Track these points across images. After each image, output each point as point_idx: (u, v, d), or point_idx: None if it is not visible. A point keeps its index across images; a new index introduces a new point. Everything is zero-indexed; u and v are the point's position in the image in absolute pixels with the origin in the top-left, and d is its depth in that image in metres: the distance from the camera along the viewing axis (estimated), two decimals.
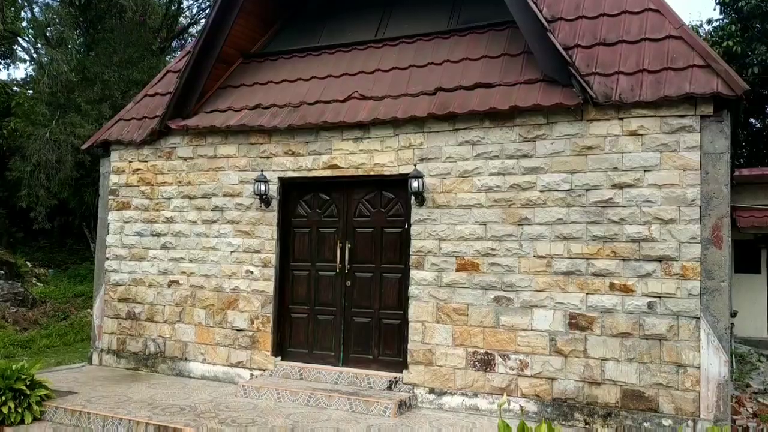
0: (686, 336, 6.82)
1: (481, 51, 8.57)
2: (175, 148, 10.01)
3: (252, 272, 9.24)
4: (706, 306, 6.75)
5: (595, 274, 7.23)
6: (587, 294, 7.26)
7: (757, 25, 18.56)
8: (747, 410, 8.21)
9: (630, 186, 7.16)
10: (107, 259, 10.38)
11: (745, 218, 13.89)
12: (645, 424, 6.90)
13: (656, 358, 6.93)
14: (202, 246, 9.66)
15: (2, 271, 14.88)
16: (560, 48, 7.50)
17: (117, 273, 10.28)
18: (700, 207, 6.82)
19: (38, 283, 16.60)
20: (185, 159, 9.90)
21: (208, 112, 9.84)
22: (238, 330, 9.28)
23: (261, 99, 9.59)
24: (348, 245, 8.89)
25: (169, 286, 9.84)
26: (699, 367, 6.73)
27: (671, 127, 7.05)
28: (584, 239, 7.30)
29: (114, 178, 10.46)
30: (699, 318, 6.76)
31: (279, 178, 9.19)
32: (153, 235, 10.05)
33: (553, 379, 7.35)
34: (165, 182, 10.02)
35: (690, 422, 6.71)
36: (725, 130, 6.84)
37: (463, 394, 7.77)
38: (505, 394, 7.43)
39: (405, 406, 7.70)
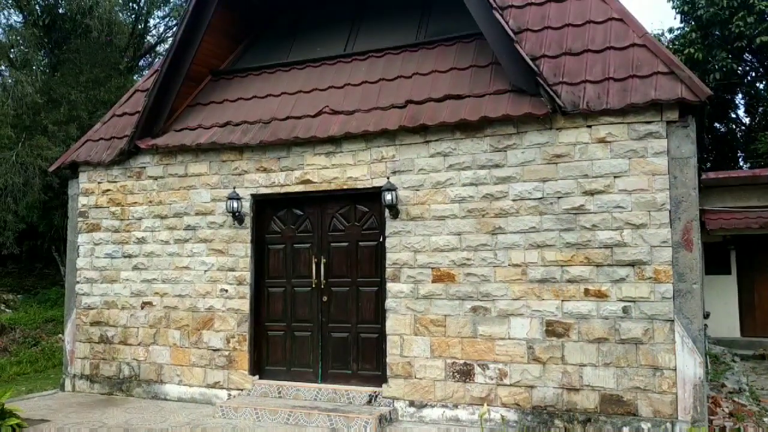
0: (661, 339, 6.88)
1: (450, 63, 8.62)
2: (144, 167, 9.90)
3: (227, 291, 9.15)
4: (679, 308, 6.82)
5: (569, 281, 7.28)
6: (563, 301, 7.31)
7: (717, 32, 19.02)
8: (723, 410, 8.29)
9: (601, 192, 7.24)
10: (78, 282, 10.21)
11: (713, 221, 14.15)
12: (624, 428, 6.92)
13: (633, 362, 6.98)
14: (175, 266, 9.53)
15: None
16: (527, 58, 7.57)
17: (88, 296, 10.12)
18: (670, 211, 6.89)
19: (7, 310, 16.28)
20: (156, 178, 9.80)
21: (178, 131, 9.76)
22: (214, 350, 9.18)
23: (231, 116, 9.54)
24: (323, 260, 8.86)
25: (142, 308, 9.70)
26: (675, 370, 6.79)
27: (638, 133, 7.14)
28: (557, 246, 7.36)
29: (83, 200, 10.31)
30: (673, 321, 6.82)
31: (252, 194, 9.13)
32: (125, 257, 9.91)
33: (532, 387, 7.37)
34: (135, 202, 9.90)
35: (668, 424, 6.76)
36: (691, 135, 6.94)
37: (443, 406, 7.74)
38: (485, 404, 7.41)
39: (386, 421, 7.68)
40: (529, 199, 7.55)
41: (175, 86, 9.70)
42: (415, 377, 7.93)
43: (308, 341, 8.87)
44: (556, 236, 7.37)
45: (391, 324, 8.15)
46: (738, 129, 24.17)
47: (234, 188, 9.13)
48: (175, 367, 9.41)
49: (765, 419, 8.05)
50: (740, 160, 23.49)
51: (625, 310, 7.04)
